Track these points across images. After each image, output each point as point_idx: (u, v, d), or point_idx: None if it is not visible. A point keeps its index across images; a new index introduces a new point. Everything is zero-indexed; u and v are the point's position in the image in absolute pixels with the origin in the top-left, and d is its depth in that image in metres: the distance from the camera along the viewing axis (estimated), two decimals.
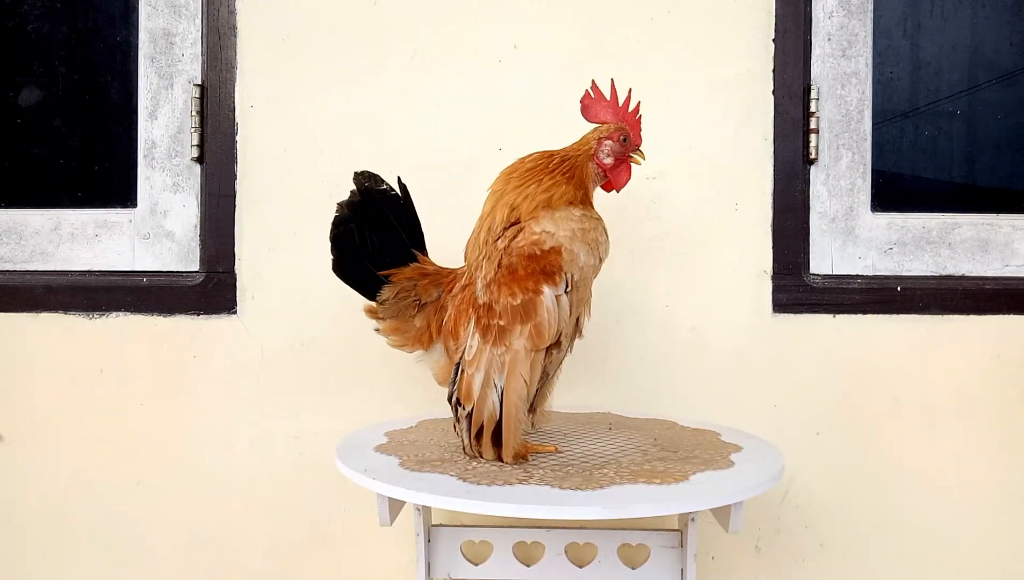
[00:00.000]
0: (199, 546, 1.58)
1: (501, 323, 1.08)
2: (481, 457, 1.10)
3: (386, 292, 1.17)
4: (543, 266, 1.08)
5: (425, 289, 1.19)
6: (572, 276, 1.09)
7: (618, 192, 1.23)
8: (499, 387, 1.07)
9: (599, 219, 1.17)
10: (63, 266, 1.62)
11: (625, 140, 1.18)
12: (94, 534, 1.59)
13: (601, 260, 1.15)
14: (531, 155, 1.20)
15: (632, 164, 1.21)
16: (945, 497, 1.54)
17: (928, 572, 1.54)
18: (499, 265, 1.11)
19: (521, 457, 1.09)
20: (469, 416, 1.08)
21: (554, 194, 1.14)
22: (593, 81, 1.21)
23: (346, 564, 1.57)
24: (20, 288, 1.59)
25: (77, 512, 1.59)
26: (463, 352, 1.11)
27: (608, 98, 1.20)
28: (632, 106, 1.19)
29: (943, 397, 1.54)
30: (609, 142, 1.18)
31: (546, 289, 1.07)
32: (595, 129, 1.20)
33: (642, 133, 1.20)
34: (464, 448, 1.13)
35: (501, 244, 1.13)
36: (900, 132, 1.63)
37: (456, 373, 1.11)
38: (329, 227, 1.18)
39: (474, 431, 1.08)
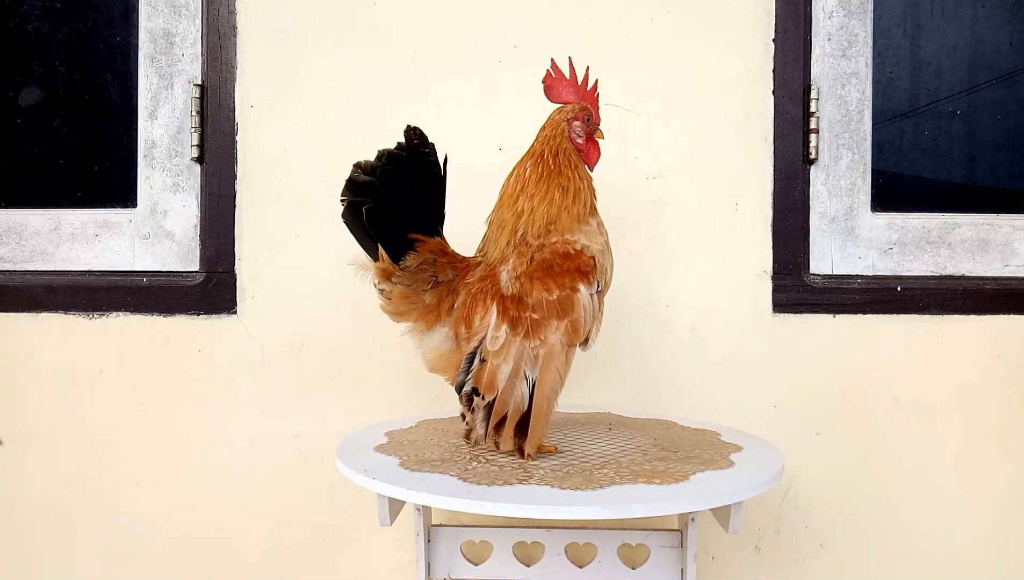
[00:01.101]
0: (199, 546, 1.58)
1: (535, 317, 1.09)
2: (497, 448, 1.10)
3: (411, 258, 1.11)
4: (578, 265, 1.12)
5: (443, 267, 1.16)
6: (599, 282, 1.14)
7: (591, 169, 1.21)
8: (530, 379, 1.08)
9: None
10: (63, 266, 1.62)
11: (589, 119, 1.19)
12: (94, 534, 1.59)
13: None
14: (525, 162, 1.20)
15: (596, 143, 1.21)
16: (945, 497, 1.54)
17: (928, 572, 1.54)
18: (531, 259, 1.13)
19: (542, 450, 1.11)
20: (490, 406, 1.08)
21: (582, 195, 1.17)
22: (552, 60, 1.22)
23: (346, 564, 1.57)
24: (20, 288, 1.60)
25: (77, 512, 1.59)
26: (481, 341, 1.10)
27: (568, 77, 1.21)
28: (591, 84, 1.20)
29: (943, 397, 1.54)
30: (577, 123, 1.19)
31: (582, 287, 1.11)
32: (559, 110, 1.21)
33: (600, 112, 1.21)
34: (476, 437, 1.11)
35: (533, 242, 1.14)
36: (900, 132, 1.63)
37: (470, 362, 1.10)
38: (342, 207, 1.10)
39: (494, 421, 1.07)
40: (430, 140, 1.12)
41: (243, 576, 1.58)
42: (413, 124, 1.11)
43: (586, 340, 1.13)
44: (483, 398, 1.08)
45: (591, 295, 1.12)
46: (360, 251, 1.13)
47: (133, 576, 1.59)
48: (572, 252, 1.13)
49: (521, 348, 1.08)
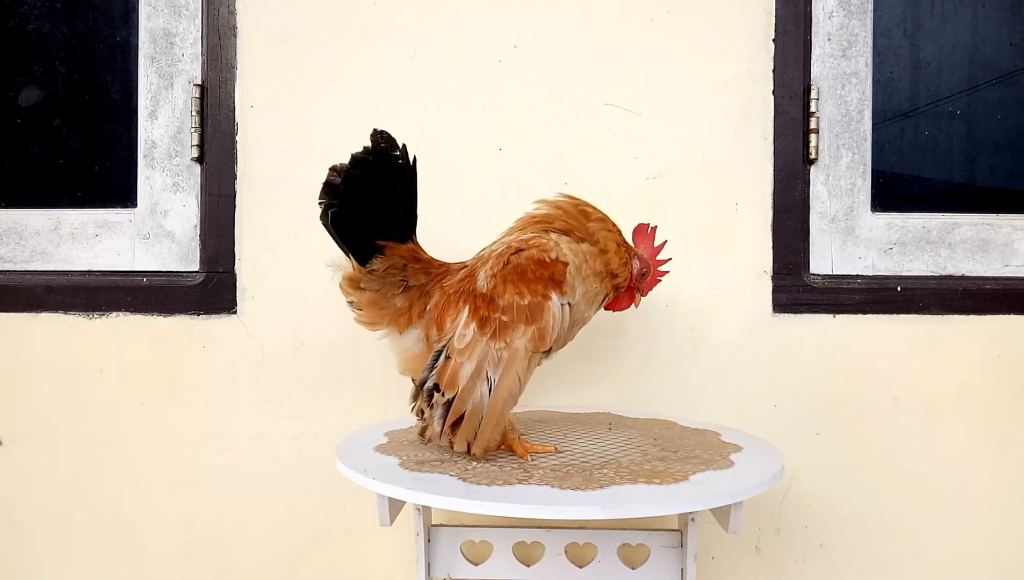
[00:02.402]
0: (199, 546, 1.58)
1: (504, 319, 1.09)
2: (451, 447, 1.09)
3: (378, 263, 1.13)
4: (551, 273, 1.11)
5: (415, 273, 1.16)
6: (570, 298, 1.13)
7: (607, 309, 1.25)
8: (492, 380, 1.07)
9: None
10: (63, 266, 1.62)
11: (645, 274, 1.23)
12: (94, 534, 1.59)
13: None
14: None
15: (635, 297, 1.24)
16: (945, 497, 1.54)
17: (928, 572, 1.54)
18: (507, 262, 1.13)
19: (491, 451, 1.11)
20: (449, 403, 1.07)
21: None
22: (653, 226, 1.25)
23: (346, 564, 1.57)
24: (20, 288, 1.60)
25: (77, 512, 1.59)
26: (450, 340, 1.10)
27: (654, 242, 1.25)
28: (662, 257, 1.24)
29: (943, 397, 1.54)
30: (637, 262, 1.22)
31: (554, 296, 1.11)
32: (632, 249, 1.24)
33: (652, 288, 1.26)
34: (431, 435, 1.10)
35: (513, 243, 1.15)
36: (900, 132, 1.63)
37: (436, 359, 1.10)
38: (328, 186, 1.10)
39: (451, 419, 1.06)
40: (400, 143, 1.12)
41: (243, 576, 1.58)
42: (380, 128, 1.11)
43: (549, 350, 1.13)
44: (443, 394, 1.07)
45: (562, 305, 1.11)
46: (340, 253, 1.14)
47: (133, 576, 1.59)
48: (547, 260, 1.13)
49: (486, 348, 1.08)
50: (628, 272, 1.20)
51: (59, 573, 1.60)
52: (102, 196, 1.65)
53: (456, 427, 1.07)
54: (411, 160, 1.13)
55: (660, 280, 1.25)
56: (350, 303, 1.17)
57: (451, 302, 1.14)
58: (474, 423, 1.06)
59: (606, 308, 1.24)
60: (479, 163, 1.55)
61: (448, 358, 1.09)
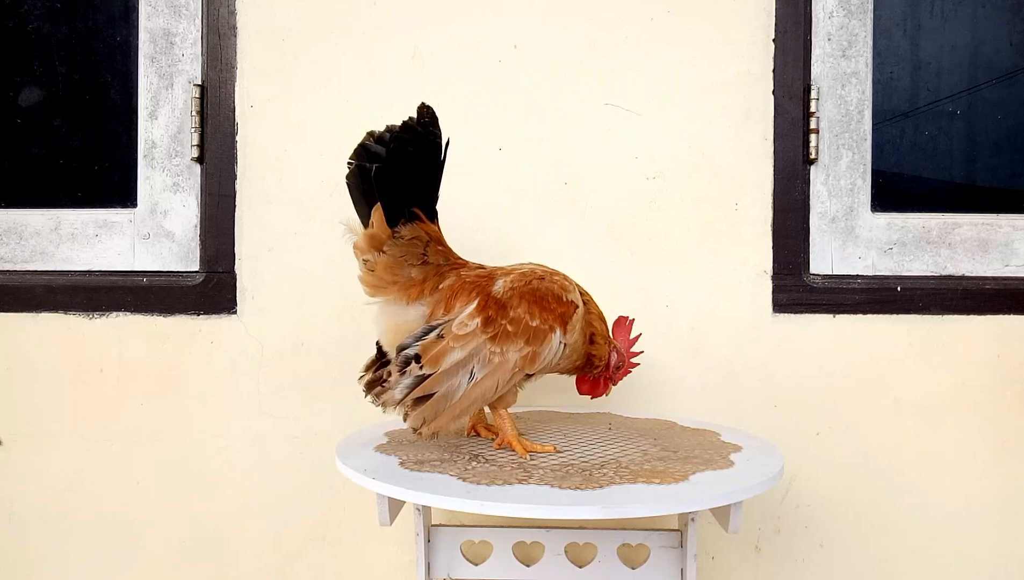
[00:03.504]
0: (198, 546, 1.58)
1: (508, 328, 1.12)
2: (403, 419, 1.09)
3: (406, 230, 1.13)
4: (563, 312, 1.17)
5: (435, 252, 1.17)
6: (564, 344, 1.18)
7: (580, 393, 1.31)
8: (475, 377, 1.09)
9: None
10: (63, 266, 1.62)
11: (619, 367, 1.28)
12: (93, 534, 1.59)
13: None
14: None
15: (607, 385, 1.30)
16: (945, 497, 1.54)
17: (928, 572, 1.54)
18: (528, 282, 1.17)
19: (437, 436, 1.16)
20: (422, 378, 1.07)
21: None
22: (631, 319, 1.31)
23: (346, 564, 1.57)
24: (20, 288, 1.60)
25: (77, 512, 1.59)
26: (448, 322, 1.11)
27: (630, 335, 1.30)
28: (637, 349, 1.30)
29: (943, 397, 1.54)
30: (615, 355, 1.28)
31: (558, 331, 1.15)
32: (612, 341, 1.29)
33: (623, 378, 1.31)
34: (387, 398, 1.10)
35: (539, 270, 1.21)
36: (900, 132, 1.63)
37: (425, 333, 1.11)
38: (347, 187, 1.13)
39: (417, 394, 1.07)
40: (439, 124, 1.14)
41: (243, 576, 1.58)
42: (427, 103, 1.12)
43: (530, 375, 1.17)
44: (421, 367, 1.08)
45: (560, 342, 1.16)
46: (353, 216, 1.14)
47: (133, 576, 1.59)
48: (565, 299, 1.18)
49: (482, 346, 1.10)
50: (607, 362, 1.27)
51: (59, 573, 1.60)
52: (102, 196, 1.65)
53: (419, 403, 1.07)
54: (445, 143, 1.15)
55: (631, 371, 1.30)
56: (364, 262, 1.15)
57: (464, 289, 1.15)
58: (438, 406, 1.08)
59: (581, 391, 1.31)
60: (479, 163, 1.55)
61: (441, 338, 1.09)
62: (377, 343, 1.19)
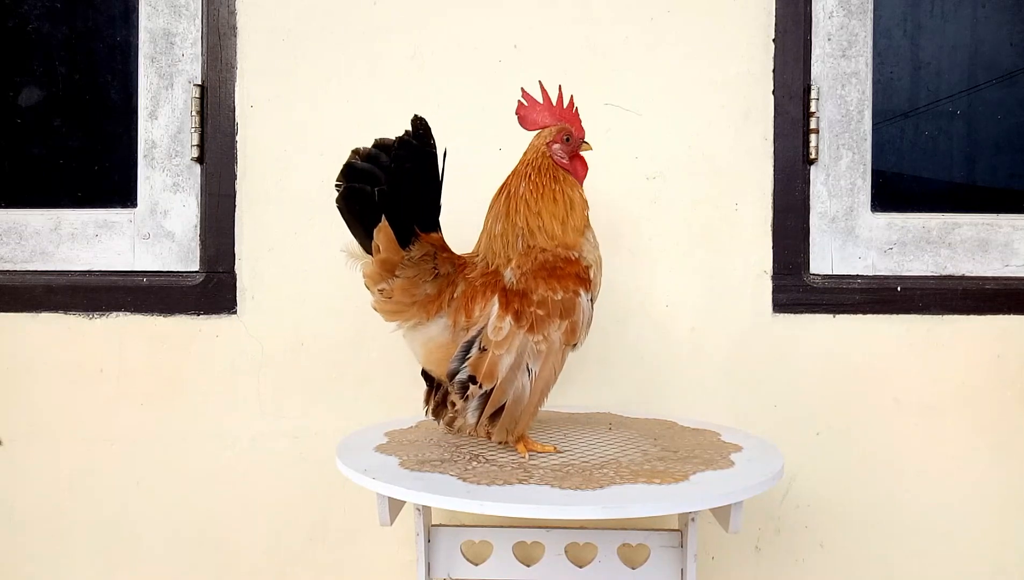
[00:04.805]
0: (199, 546, 1.58)
1: (539, 313, 1.11)
2: (488, 438, 1.11)
3: (416, 249, 1.09)
4: (577, 271, 1.16)
5: (444, 261, 1.15)
6: (594, 293, 1.18)
7: (581, 183, 1.24)
8: (533, 372, 1.10)
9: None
10: (63, 266, 1.62)
11: (568, 138, 1.21)
12: (94, 534, 1.59)
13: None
14: (513, 181, 1.21)
15: (584, 153, 1.23)
16: (945, 497, 1.54)
17: (928, 572, 1.54)
18: (535, 260, 1.15)
19: (523, 440, 1.15)
20: (486, 395, 1.07)
21: (576, 208, 1.20)
22: (523, 89, 1.23)
23: (346, 564, 1.57)
24: (20, 288, 1.59)
25: (77, 512, 1.59)
26: (481, 330, 1.10)
27: (542, 101, 1.23)
28: (566, 102, 1.22)
29: (943, 397, 1.54)
30: (557, 145, 1.21)
31: (582, 292, 1.15)
32: (537, 136, 1.22)
33: (583, 124, 1.23)
34: (463, 426, 1.11)
35: (536, 248, 1.17)
36: (900, 132, 1.63)
37: (467, 350, 1.10)
38: (338, 198, 1.09)
39: (489, 410, 1.08)
40: (432, 134, 1.11)
41: (243, 576, 1.58)
42: (419, 115, 1.10)
43: (575, 344, 1.17)
44: (480, 386, 1.08)
45: (588, 302, 1.16)
46: (352, 240, 1.10)
47: (133, 576, 1.59)
48: (572, 258, 1.17)
49: (525, 341, 1.10)
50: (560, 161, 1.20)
51: (59, 573, 1.60)
52: (102, 196, 1.65)
53: (495, 418, 1.08)
54: (443, 153, 1.12)
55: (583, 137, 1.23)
56: (380, 291, 1.11)
57: (478, 291, 1.14)
58: (514, 414, 1.09)
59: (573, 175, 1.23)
60: (479, 163, 1.55)
61: (483, 350, 1.09)
62: (423, 370, 1.19)
